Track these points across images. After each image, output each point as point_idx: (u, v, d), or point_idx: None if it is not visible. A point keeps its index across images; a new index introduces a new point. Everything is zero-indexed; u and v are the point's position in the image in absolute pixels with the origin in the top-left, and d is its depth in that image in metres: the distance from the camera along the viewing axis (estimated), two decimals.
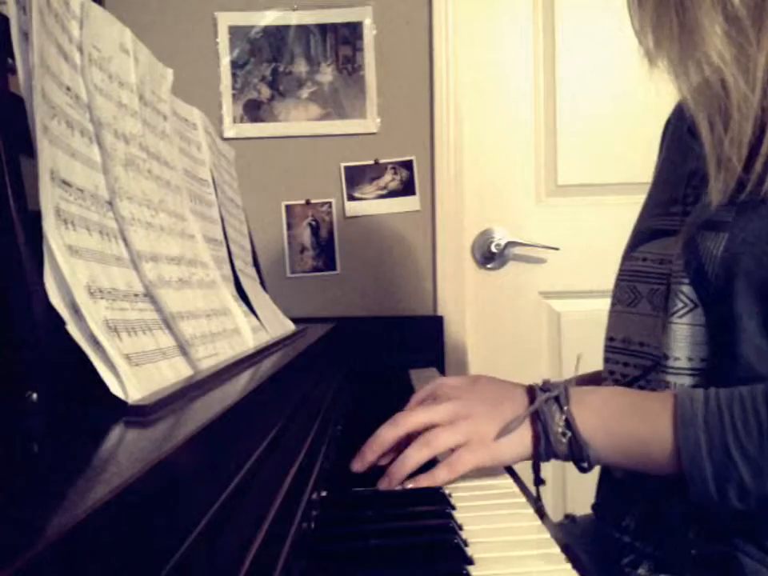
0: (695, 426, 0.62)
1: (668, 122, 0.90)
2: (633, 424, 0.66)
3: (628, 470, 0.69)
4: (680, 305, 0.70)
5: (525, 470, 0.79)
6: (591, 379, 0.94)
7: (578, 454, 0.67)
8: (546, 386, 0.71)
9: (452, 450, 0.70)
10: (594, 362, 0.96)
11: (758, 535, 0.66)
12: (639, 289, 0.79)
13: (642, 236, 0.81)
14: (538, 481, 0.72)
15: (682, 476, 0.62)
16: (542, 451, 0.68)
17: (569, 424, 0.67)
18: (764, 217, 0.65)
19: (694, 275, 0.69)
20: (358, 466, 0.72)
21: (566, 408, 0.67)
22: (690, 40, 0.66)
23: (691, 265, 0.70)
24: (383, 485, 0.69)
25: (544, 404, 0.68)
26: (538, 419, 0.68)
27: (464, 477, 0.75)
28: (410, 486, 0.68)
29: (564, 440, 0.67)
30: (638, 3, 0.70)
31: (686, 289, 0.70)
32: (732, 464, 0.60)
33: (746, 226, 0.66)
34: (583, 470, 0.68)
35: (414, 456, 0.69)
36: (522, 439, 0.69)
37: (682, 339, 0.70)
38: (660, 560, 0.73)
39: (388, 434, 0.71)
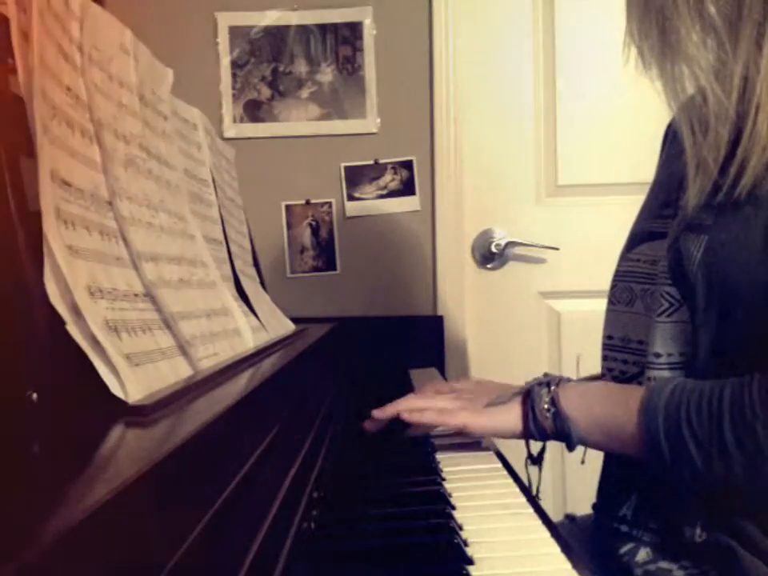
0: (656, 412, 0.67)
1: (669, 125, 0.90)
2: (609, 406, 0.72)
3: (607, 450, 0.76)
4: (665, 304, 0.73)
5: (524, 469, 0.79)
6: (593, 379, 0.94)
7: (561, 430, 0.74)
8: (544, 376, 0.79)
9: None
10: (594, 361, 0.96)
11: (761, 516, 0.67)
12: (634, 289, 0.81)
13: (637, 237, 0.83)
14: (532, 458, 0.82)
15: (646, 458, 0.68)
16: (530, 426, 0.75)
17: (554, 402, 0.74)
18: (742, 221, 0.67)
19: (675, 276, 0.72)
20: (369, 425, 0.86)
21: (552, 389, 0.75)
22: (670, 48, 0.69)
23: (673, 266, 0.72)
24: (375, 412, 0.83)
25: (536, 386, 0.76)
26: (528, 398, 0.76)
27: (464, 477, 0.75)
28: (405, 416, 0.81)
29: (549, 415, 0.74)
30: (626, 10, 0.73)
31: (670, 289, 0.73)
32: (685, 449, 0.65)
33: (725, 229, 0.68)
34: (569, 448, 0.75)
35: (409, 401, 0.83)
36: (511, 413, 0.77)
37: (672, 337, 0.72)
38: (658, 548, 0.73)
39: (399, 405, 0.83)
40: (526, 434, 0.77)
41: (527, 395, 0.76)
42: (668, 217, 0.78)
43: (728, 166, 0.67)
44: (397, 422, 0.85)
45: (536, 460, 0.83)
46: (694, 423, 0.64)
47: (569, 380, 0.78)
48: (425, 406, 0.82)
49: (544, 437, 0.76)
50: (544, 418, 0.74)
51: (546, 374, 0.79)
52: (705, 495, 0.70)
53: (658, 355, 0.73)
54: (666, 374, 0.73)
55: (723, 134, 0.67)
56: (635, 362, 0.79)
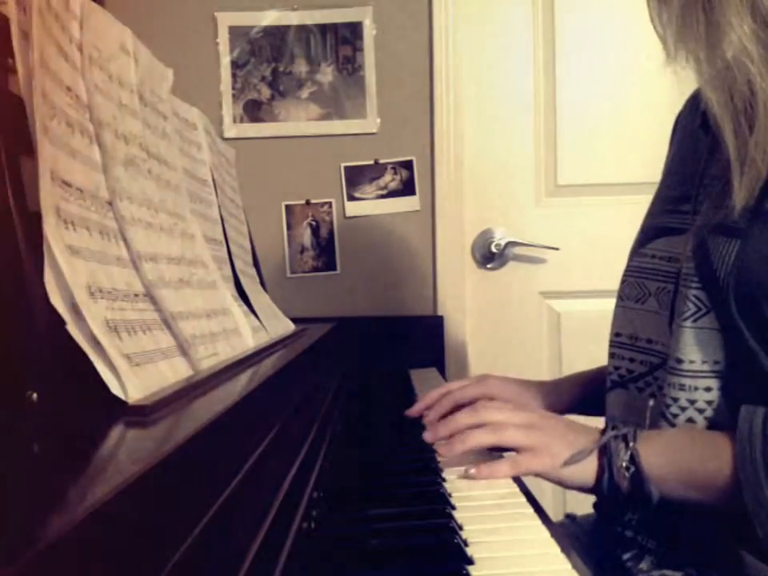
0: (754, 462, 0.62)
1: (678, 117, 0.88)
2: (695, 460, 0.67)
3: (697, 504, 0.68)
4: (692, 308, 0.70)
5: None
6: (596, 376, 0.94)
7: (639, 489, 0.68)
8: (615, 426, 0.72)
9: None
10: (594, 362, 0.96)
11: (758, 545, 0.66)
12: (647, 286, 0.78)
13: (651, 233, 0.81)
14: (605, 515, 0.76)
15: (746, 512, 0.62)
16: (604, 484, 0.69)
17: (633, 459, 0.68)
18: None
19: (705, 280, 0.69)
20: (430, 437, 0.79)
21: (631, 444, 0.69)
22: (717, 39, 0.65)
23: (702, 269, 0.69)
24: (443, 449, 0.75)
25: (612, 440, 0.70)
26: (604, 454, 0.70)
27: (464, 477, 0.75)
28: (472, 471, 0.73)
29: (627, 474, 0.68)
30: (663, 4, 0.69)
31: (697, 293, 0.70)
32: None
33: (760, 234, 0.65)
34: (646, 508, 0.69)
35: (480, 437, 0.74)
36: (586, 469, 0.70)
37: (697, 343, 0.70)
38: (662, 554, 0.73)
39: (465, 420, 0.76)
40: (597, 491, 0.71)
41: (603, 451, 0.70)
42: (686, 213, 0.75)
43: None
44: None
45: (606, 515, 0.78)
46: None
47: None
48: (499, 438, 0.73)
49: (616, 495, 0.69)
50: (622, 477, 0.68)
51: (615, 425, 0.72)
52: (707, 515, 0.68)
53: (679, 361, 0.71)
54: (686, 380, 0.70)
55: None
56: (642, 361, 0.78)
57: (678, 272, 0.73)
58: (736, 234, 0.66)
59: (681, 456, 0.68)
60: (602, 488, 0.69)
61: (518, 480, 0.75)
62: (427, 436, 0.79)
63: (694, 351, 0.70)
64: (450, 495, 0.69)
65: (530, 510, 0.66)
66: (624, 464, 0.68)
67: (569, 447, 0.71)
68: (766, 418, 0.63)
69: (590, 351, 1.00)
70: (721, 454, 0.64)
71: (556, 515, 0.77)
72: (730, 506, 0.64)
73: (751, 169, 0.65)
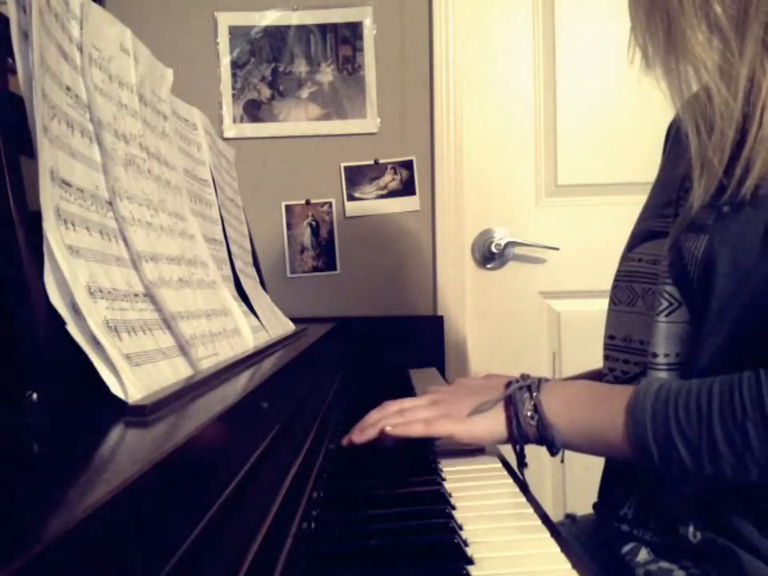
0: (643, 413, 0.66)
1: (671, 124, 0.90)
2: (593, 410, 0.71)
3: (591, 454, 0.74)
4: (665, 304, 0.73)
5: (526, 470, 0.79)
6: (591, 377, 0.94)
7: (545, 436, 0.73)
8: (523, 378, 0.77)
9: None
10: (594, 362, 0.96)
11: (758, 515, 0.67)
12: (635, 288, 0.80)
13: (638, 237, 0.83)
14: (521, 463, 0.80)
15: (633, 459, 0.67)
16: (515, 433, 0.74)
17: (536, 408, 0.73)
18: (742, 220, 0.67)
19: (676, 275, 0.72)
20: (346, 442, 0.80)
21: (535, 394, 0.74)
22: (675, 47, 0.68)
23: (674, 265, 0.72)
24: (356, 437, 0.78)
25: (517, 391, 0.75)
26: (510, 404, 0.75)
27: (464, 477, 0.75)
28: (387, 428, 0.77)
29: (533, 422, 0.73)
30: (634, 8, 0.73)
31: (670, 288, 0.72)
32: (674, 448, 0.64)
33: (726, 229, 0.67)
34: (552, 453, 0.74)
35: (389, 421, 0.78)
36: (496, 420, 0.76)
37: (670, 337, 0.72)
38: (659, 547, 0.73)
39: (374, 416, 0.80)
40: (512, 440, 0.76)
41: (509, 401, 0.75)
42: (669, 216, 0.78)
43: (733, 167, 0.67)
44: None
45: (521, 464, 0.82)
46: (683, 422, 0.64)
47: (548, 380, 0.77)
48: (407, 418, 0.77)
49: (527, 442, 0.75)
50: (528, 425, 0.73)
51: (523, 375, 0.77)
52: (700, 495, 0.69)
53: (655, 355, 0.73)
54: (663, 374, 0.72)
55: (729, 134, 0.67)
56: (636, 362, 0.79)
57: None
58: (704, 231, 0.69)
59: (579, 406, 0.72)
60: (514, 437, 0.74)
61: (518, 480, 0.75)
62: (344, 441, 0.80)
63: (670, 345, 0.72)
64: (449, 495, 0.69)
65: (530, 510, 0.66)
66: (529, 413, 0.73)
67: (474, 405, 0.76)
68: (666, 382, 0.67)
69: (589, 351, 1.00)
70: (615, 406, 0.69)
71: (556, 515, 0.77)
72: (621, 457, 0.69)
73: (709, 170, 0.68)
